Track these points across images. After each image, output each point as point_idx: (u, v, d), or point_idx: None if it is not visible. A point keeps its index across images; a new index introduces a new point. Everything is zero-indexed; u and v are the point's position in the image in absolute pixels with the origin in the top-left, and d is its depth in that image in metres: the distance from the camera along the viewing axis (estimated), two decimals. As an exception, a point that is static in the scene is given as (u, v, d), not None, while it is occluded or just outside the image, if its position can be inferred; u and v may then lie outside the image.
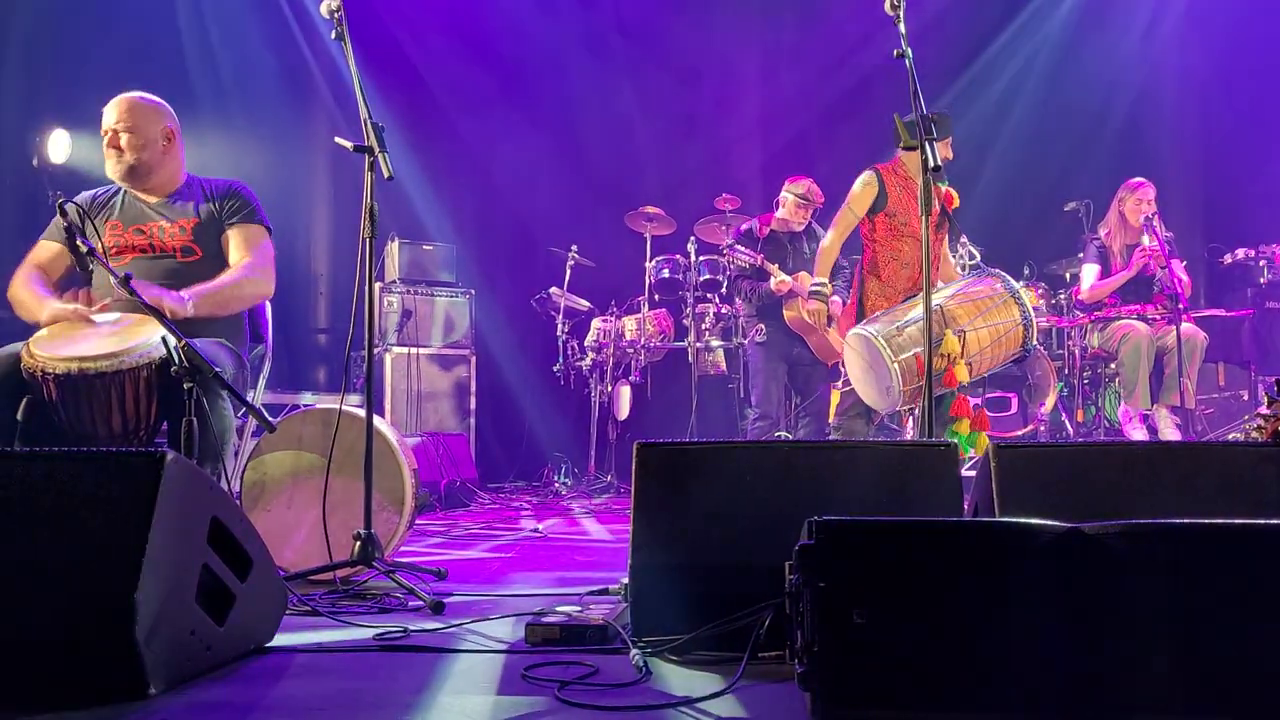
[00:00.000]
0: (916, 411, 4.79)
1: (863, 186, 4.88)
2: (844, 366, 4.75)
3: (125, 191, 3.68)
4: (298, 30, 7.40)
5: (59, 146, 6.06)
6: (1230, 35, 7.93)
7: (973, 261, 5.13)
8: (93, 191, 3.75)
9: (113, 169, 3.60)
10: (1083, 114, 8.36)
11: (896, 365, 4.31)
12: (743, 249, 6.06)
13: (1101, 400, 6.50)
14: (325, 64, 7.54)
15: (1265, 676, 1.68)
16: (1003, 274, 4.69)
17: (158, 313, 2.91)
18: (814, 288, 5.18)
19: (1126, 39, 8.39)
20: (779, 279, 5.95)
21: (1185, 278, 5.99)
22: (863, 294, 4.93)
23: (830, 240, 5.05)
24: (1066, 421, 6.40)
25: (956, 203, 5.04)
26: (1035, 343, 4.42)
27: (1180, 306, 5.76)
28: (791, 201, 6.21)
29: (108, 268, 3.01)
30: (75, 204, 3.23)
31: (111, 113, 3.61)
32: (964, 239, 7.00)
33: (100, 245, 3.41)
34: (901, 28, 3.36)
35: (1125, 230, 6.20)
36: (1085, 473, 2.44)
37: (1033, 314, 4.59)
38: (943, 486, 2.43)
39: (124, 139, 3.58)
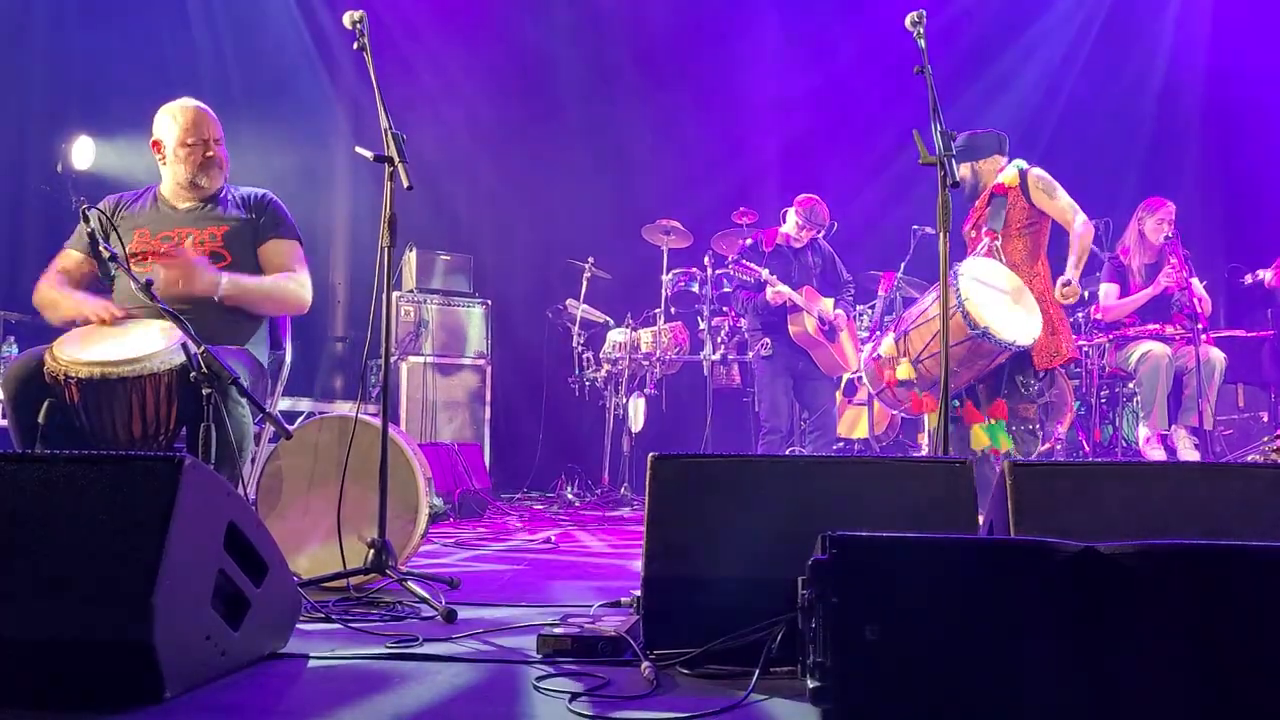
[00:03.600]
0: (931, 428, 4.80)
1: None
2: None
3: (157, 197, 3.69)
4: (315, 38, 7.45)
5: (84, 153, 6.12)
6: (1254, 55, 7.90)
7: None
8: (119, 195, 3.76)
9: (203, 178, 3.62)
10: (1101, 132, 8.34)
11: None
12: (748, 263, 6.08)
13: (1119, 420, 6.46)
14: (344, 72, 7.59)
15: (1281, 700, 1.67)
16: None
17: (179, 319, 2.92)
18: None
19: (1147, 56, 8.37)
20: (775, 289, 5.95)
21: (1205, 297, 5.96)
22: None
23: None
24: (1084, 441, 6.36)
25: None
26: (985, 324, 4.37)
27: (1200, 326, 5.72)
28: (794, 220, 6.25)
29: (129, 274, 3.04)
30: (98, 210, 3.25)
31: (202, 125, 3.63)
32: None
33: (123, 250, 3.43)
34: (921, 43, 3.36)
35: (1144, 249, 6.18)
36: (1101, 492, 2.42)
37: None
38: (957, 503, 2.42)
39: (217, 150, 3.65)
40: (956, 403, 4.76)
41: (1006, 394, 4.74)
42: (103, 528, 1.99)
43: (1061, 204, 4.85)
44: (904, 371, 4.61)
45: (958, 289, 4.42)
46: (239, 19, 7.25)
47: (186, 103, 3.66)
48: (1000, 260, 4.81)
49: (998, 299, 4.57)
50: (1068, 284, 4.73)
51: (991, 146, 5.00)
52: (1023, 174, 4.86)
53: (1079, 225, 4.86)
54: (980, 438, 4.80)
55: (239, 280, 3.44)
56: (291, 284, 3.60)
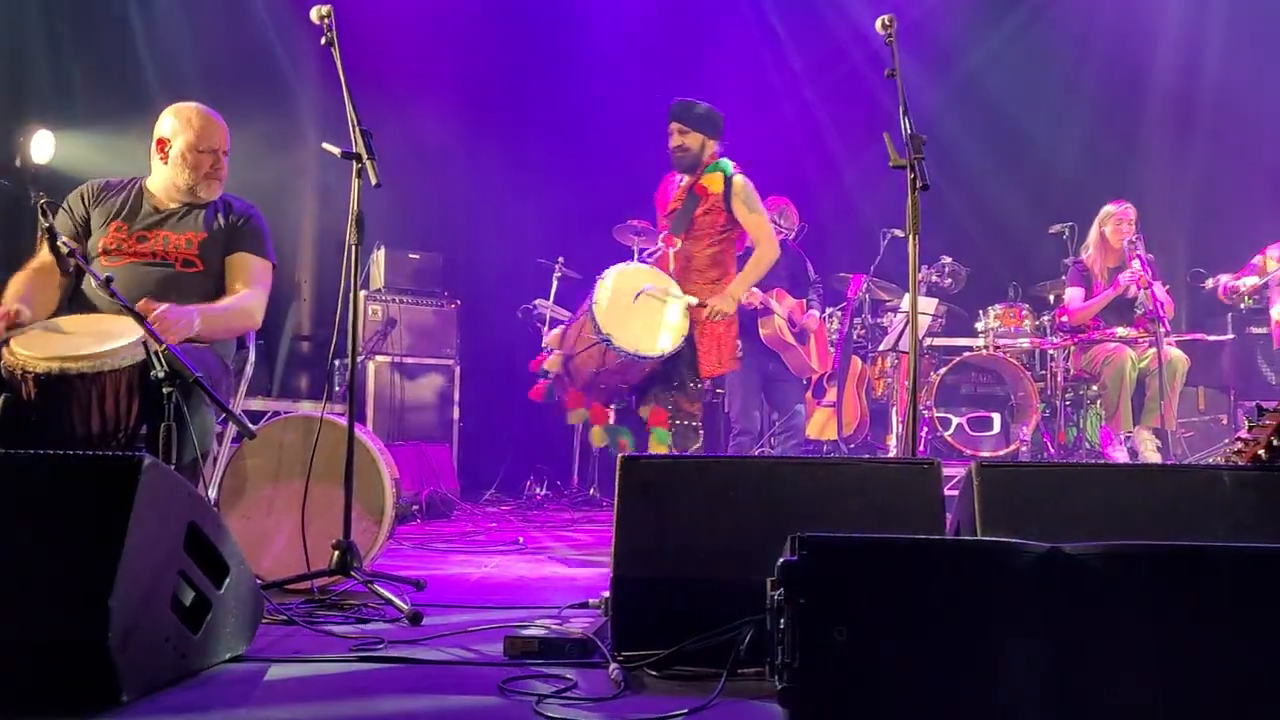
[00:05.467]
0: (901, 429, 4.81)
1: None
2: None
3: (144, 192, 3.57)
4: (281, 31, 7.38)
5: (42, 147, 6.03)
6: (1219, 60, 8.01)
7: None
8: (106, 180, 3.63)
9: (204, 189, 3.53)
10: (1069, 137, 8.42)
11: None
12: None
13: (1083, 422, 6.53)
14: (310, 66, 7.51)
15: (1244, 697, 1.68)
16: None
17: (140, 316, 2.88)
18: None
19: (1112, 60, 8.46)
20: (749, 293, 5.96)
21: (1167, 300, 6.03)
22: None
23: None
24: (1048, 442, 6.42)
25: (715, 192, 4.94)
26: (609, 332, 4.32)
27: (1162, 330, 5.79)
28: None
29: (88, 270, 2.99)
30: (55, 204, 3.19)
31: (215, 134, 3.56)
32: (948, 259, 7.04)
33: (99, 239, 3.38)
34: (893, 47, 3.37)
35: (1107, 252, 6.24)
36: (1067, 493, 2.45)
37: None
38: (925, 505, 2.43)
39: (223, 164, 3.59)
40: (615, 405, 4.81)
41: (674, 393, 4.71)
42: (59, 528, 1.96)
43: (758, 220, 4.82)
44: (551, 363, 4.61)
45: (593, 295, 4.42)
46: (203, 11, 7.17)
47: (202, 108, 3.59)
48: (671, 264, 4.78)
49: (633, 307, 4.49)
50: (702, 306, 4.63)
51: (719, 127, 4.93)
52: (728, 181, 4.80)
53: (766, 249, 4.83)
54: (598, 437, 4.91)
55: (208, 313, 3.31)
56: (251, 303, 3.50)
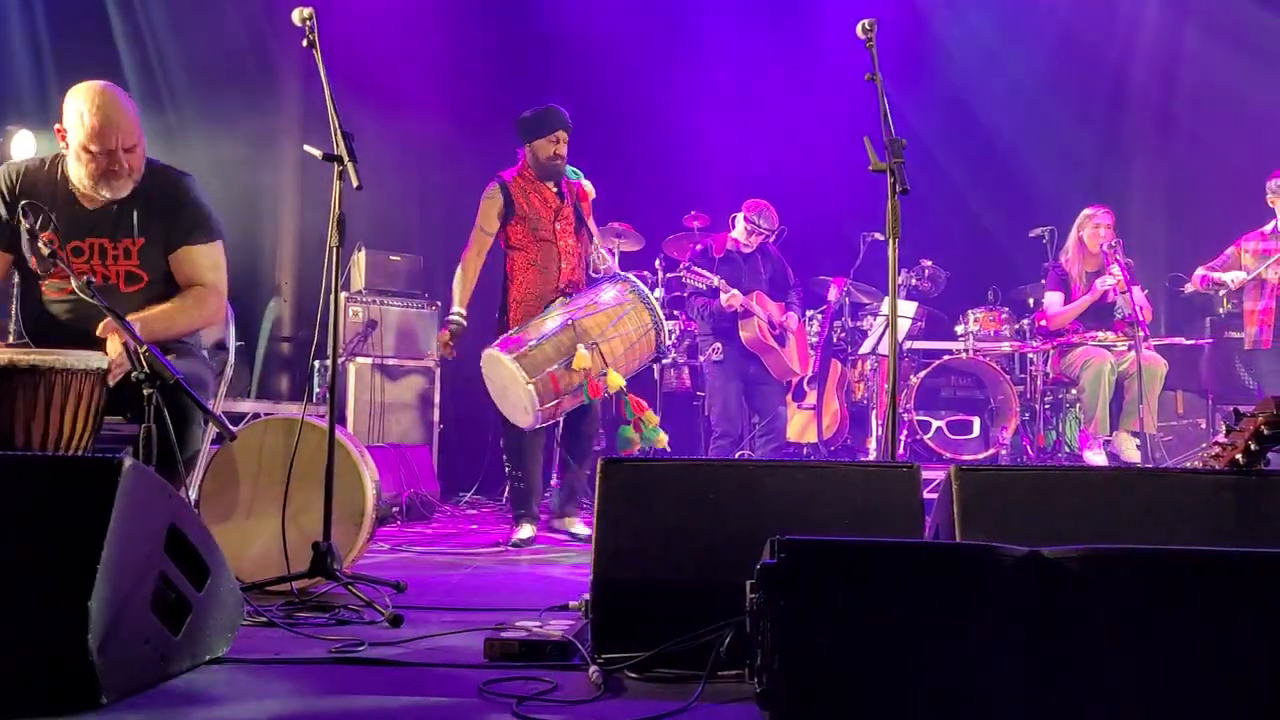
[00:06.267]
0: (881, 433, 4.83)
1: (488, 201, 4.87)
2: (489, 382, 4.65)
3: (68, 183, 3.22)
4: (263, 32, 7.34)
5: (23, 146, 5.98)
6: (1199, 65, 8.08)
7: (605, 265, 5.07)
8: (22, 165, 3.28)
9: (106, 187, 3.18)
10: (1050, 140, 8.47)
11: (531, 387, 4.28)
12: (699, 269, 6.11)
13: (1062, 425, 6.57)
14: (292, 68, 7.48)
15: (1223, 698, 1.70)
16: (632, 278, 4.75)
17: (119, 317, 2.79)
18: (451, 317, 4.90)
19: (1093, 65, 8.52)
20: (728, 295, 5.98)
21: (1146, 305, 6.08)
22: (504, 304, 4.91)
23: (467, 263, 4.90)
24: (1027, 446, 6.46)
25: (592, 195, 5.07)
26: (669, 344, 4.46)
27: (1141, 334, 5.83)
28: (742, 226, 6.28)
29: (72, 272, 2.89)
30: (37, 205, 3.12)
31: (109, 134, 3.12)
32: (928, 262, 7.07)
33: (30, 256, 3.20)
34: (873, 51, 3.39)
35: (1085, 256, 6.29)
36: (1046, 497, 2.46)
37: (662, 316, 4.67)
38: (904, 508, 2.44)
39: (126, 160, 3.18)
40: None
41: None
42: (38, 530, 1.95)
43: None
44: (616, 380, 4.53)
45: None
46: (185, 11, 7.13)
47: (100, 98, 3.13)
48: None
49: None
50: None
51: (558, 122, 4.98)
52: (580, 181, 5.01)
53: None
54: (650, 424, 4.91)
55: (149, 323, 3.05)
56: (196, 308, 3.29)
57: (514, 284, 4.91)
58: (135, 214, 3.27)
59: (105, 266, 3.24)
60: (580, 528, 5.04)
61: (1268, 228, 6.21)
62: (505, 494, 5.34)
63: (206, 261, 3.37)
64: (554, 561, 4.33)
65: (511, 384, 4.40)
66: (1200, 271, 6.41)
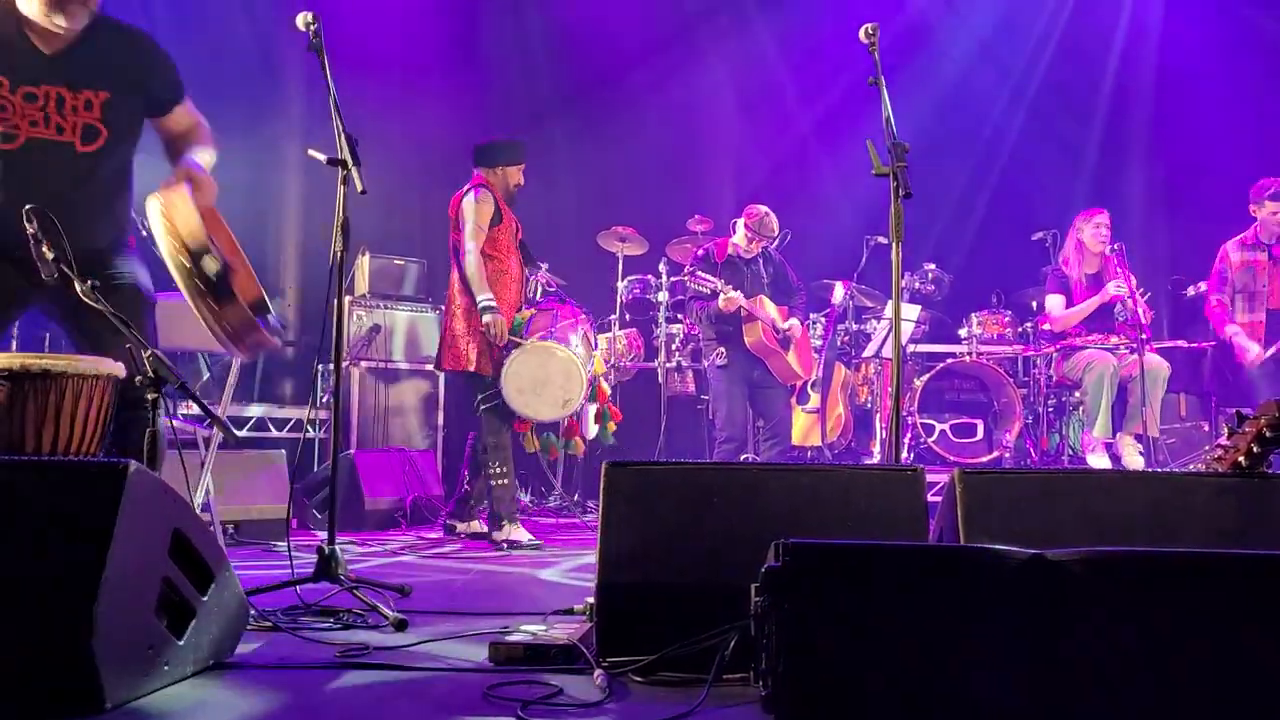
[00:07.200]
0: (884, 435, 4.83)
1: (482, 204, 5.00)
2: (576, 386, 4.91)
3: (17, 17, 2.89)
4: (267, 36, 7.36)
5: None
6: (1198, 68, 8.08)
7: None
8: None
9: (61, 13, 2.86)
10: (1053, 144, 8.47)
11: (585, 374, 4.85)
12: (702, 273, 6.11)
13: (1065, 428, 6.56)
14: (296, 72, 7.49)
15: (1227, 702, 1.70)
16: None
17: (124, 321, 2.74)
18: (492, 304, 4.93)
19: (1094, 69, 8.52)
20: (727, 297, 5.98)
21: (1145, 308, 6.08)
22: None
23: (479, 256, 4.98)
24: (1031, 449, 6.46)
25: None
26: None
27: (1144, 337, 5.83)
28: (742, 233, 6.28)
29: (74, 277, 2.87)
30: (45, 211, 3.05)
31: None
32: (932, 265, 7.08)
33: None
34: (876, 55, 3.39)
35: (1085, 258, 6.29)
36: (1050, 500, 2.46)
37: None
38: (908, 512, 2.44)
39: None
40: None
41: None
42: (44, 534, 1.95)
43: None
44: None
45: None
46: (188, 14, 7.15)
47: None
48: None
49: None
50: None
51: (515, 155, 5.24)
52: None
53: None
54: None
55: (207, 192, 3.01)
56: (210, 155, 3.22)
57: (494, 287, 5.00)
58: (96, 57, 3.00)
59: (62, 117, 2.96)
60: (479, 526, 5.33)
61: (1249, 235, 6.19)
62: (480, 496, 5.37)
63: (195, 119, 3.31)
64: (556, 563, 4.33)
65: (562, 375, 4.82)
66: (1231, 330, 6.21)
